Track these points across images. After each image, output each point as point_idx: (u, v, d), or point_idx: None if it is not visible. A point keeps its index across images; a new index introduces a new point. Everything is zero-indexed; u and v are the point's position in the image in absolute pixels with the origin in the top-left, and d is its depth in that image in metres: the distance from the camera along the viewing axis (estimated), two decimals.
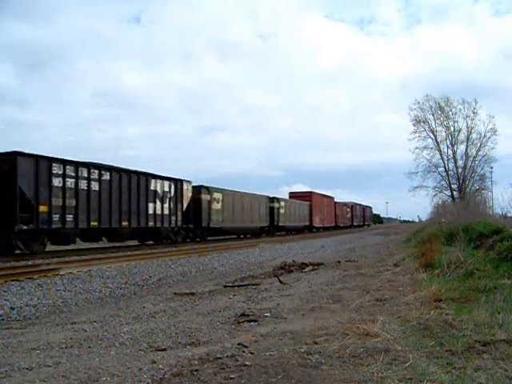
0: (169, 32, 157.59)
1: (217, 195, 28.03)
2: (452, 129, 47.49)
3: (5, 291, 8.75)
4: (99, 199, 17.89)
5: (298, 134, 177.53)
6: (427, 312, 5.24)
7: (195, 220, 25.50)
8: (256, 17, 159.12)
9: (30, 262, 13.70)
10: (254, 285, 8.94)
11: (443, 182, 48.15)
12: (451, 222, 18.96)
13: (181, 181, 24.13)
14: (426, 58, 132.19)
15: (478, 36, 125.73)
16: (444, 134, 47.76)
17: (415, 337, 4.38)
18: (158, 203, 21.94)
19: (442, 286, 6.71)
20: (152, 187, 21.51)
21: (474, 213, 19.18)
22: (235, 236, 32.63)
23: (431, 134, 47.49)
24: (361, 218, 72.82)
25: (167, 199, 22.75)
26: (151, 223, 21.33)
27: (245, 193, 33.14)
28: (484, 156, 46.54)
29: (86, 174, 17.28)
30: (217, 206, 27.86)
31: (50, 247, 17.54)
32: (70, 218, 16.45)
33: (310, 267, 11.61)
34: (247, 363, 3.64)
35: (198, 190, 26.13)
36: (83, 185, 17.14)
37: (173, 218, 23.11)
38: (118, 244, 20.96)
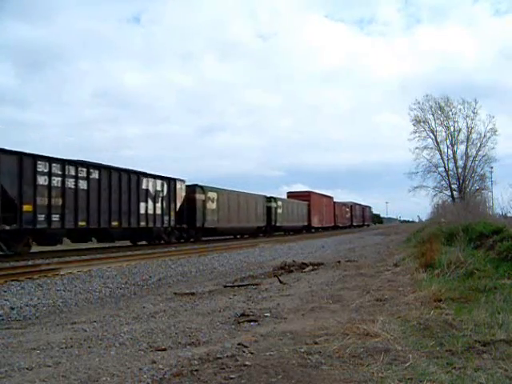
0: (169, 32, 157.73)
1: (212, 194, 27.47)
2: (452, 129, 47.56)
3: (5, 291, 8.75)
4: (87, 198, 17.31)
5: (298, 134, 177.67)
6: (427, 312, 5.24)
7: (189, 220, 24.93)
8: (256, 17, 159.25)
9: (30, 262, 13.71)
10: (254, 285, 8.94)
11: (443, 182, 48.22)
12: (451, 221, 18.96)
13: (174, 180, 23.56)
14: (426, 58, 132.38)
15: (478, 36, 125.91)
16: (444, 134, 47.84)
17: (415, 337, 4.39)
18: (150, 203, 21.37)
19: (442, 286, 6.71)
20: (144, 186, 20.94)
21: (474, 213, 19.18)
22: (231, 236, 32.02)
23: (431, 134, 47.55)
24: (360, 218, 72.46)
25: (160, 198, 22.19)
26: (143, 223, 20.75)
27: (241, 192, 32.49)
28: (484, 156, 46.62)
29: (73, 173, 16.69)
30: (212, 205, 27.29)
31: (49, 247, 17.56)
32: (56, 217, 15.82)
33: (310, 267, 11.61)
34: (247, 363, 3.64)
35: (192, 189, 25.56)
36: (70, 183, 16.55)
37: (165, 217, 22.54)
38: (118, 244, 20.97)
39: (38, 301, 8.10)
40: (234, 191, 31.49)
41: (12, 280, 9.88)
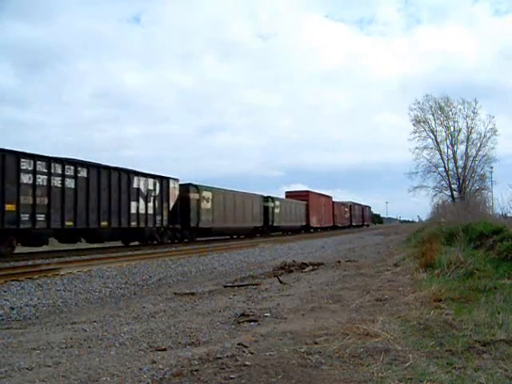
0: (168, 32, 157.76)
1: (206, 194, 26.79)
2: (452, 129, 47.60)
3: (5, 291, 8.76)
4: (75, 197, 16.74)
5: (298, 134, 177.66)
6: (427, 312, 5.24)
7: (183, 220, 24.33)
8: (256, 17, 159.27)
9: (30, 262, 13.72)
10: (254, 285, 8.94)
11: (443, 182, 48.25)
12: (451, 221, 18.97)
13: (167, 178, 23.02)
14: (426, 58, 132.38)
15: (478, 36, 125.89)
16: (444, 134, 47.87)
17: (415, 337, 4.39)
18: (142, 202, 20.79)
19: (442, 286, 6.71)
20: (135, 185, 20.39)
21: (474, 213, 19.18)
22: (228, 237, 31.47)
23: (431, 134, 47.59)
24: (360, 218, 72.10)
25: (152, 198, 21.58)
26: (134, 223, 20.15)
27: (237, 191, 31.83)
28: (484, 156, 46.66)
29: (59, 171, 16.11)
30: (206, 205, 26.64)
31: (50, 247, 17.56)
32: (41, 217, 15.24)
33: (310, 267, 11.61)
34: (247, 363, 3.64)
35: (185, 188, 24.95)
36: (57, 182, 15.95)
37: (158, 217, 21.95)
38: (118, 244, 20.95)
39: (37, 301, 8.10)
40: (230, 190, 30.85)
41: (12, 280, 9.88)
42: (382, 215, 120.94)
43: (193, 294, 8.26)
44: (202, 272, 12.64)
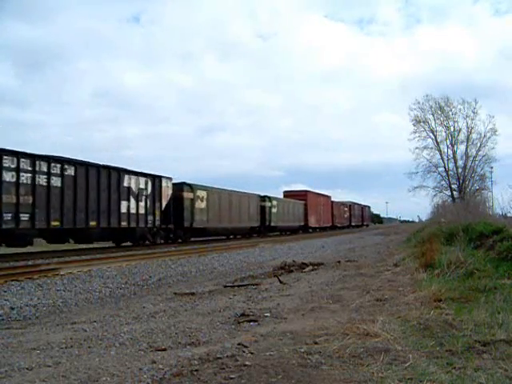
0: (168, 32, 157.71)
1: (201, 193, 26.07)
2: (452, 129, 47.65)
3: (5, 291, 8.76)
4: (61, 196, 16.06)
5: (298, 134, 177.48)
6: (427, 312, 5.25)
7: (176, 220, 23.60)
8: (256, 17, 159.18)
9: (30, 262, 13.72)
10: (254, 285, 8.95)
11: (443, 182, 48.30)
12: (451, 221, 18.96)
13: (159, 177, 22.36)
14: (426, 57, 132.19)
15: (478, 36, 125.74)
16: (444, 134, 47.92)
17: (415, 337, 4.39)
18: (133, 201, 20.06)
19: (442, 286, 6.71)
20: (125, 184, 19.65)
21: (474, 213, 19.18)
22: (224, 237, 30.81)
23: (431, 134, 47.63)
24: (359, 218, 71.66)
25: (143, 197, 20.90)
26: (124, 223, 19.44)
27: (233, 191, 31.11)
28: (484, 156, 46.71)
29: (45, 169, 15.44)
30: (201, 204, 25.94)
31: (49, 247, 17.57)
32: (25, 217, 14.61)
33: (310, 267, 11.61)
34: (247, 363, 3.65)
35: (179, 187, 24.21)
36: (42, 180, 15.29)
37: (150, 217, 21.27)
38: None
39: (38, 301, 8.10)
40: (226, 190, 30.19)
41: (12, 280, 9.89)
42: (382, 215, 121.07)
43: (193, 293, 8.26)
44: (202, 272, 12.64)
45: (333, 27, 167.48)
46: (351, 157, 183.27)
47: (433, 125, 47.55)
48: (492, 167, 45.98)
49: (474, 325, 4.65)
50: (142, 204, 20.82)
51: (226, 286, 9.02)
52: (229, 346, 4.26)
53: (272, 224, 36.62)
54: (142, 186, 21.03)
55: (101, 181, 18.19)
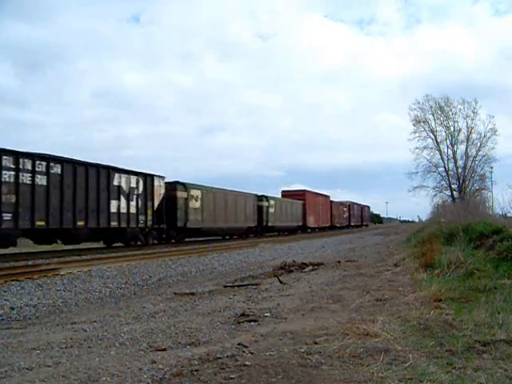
0: (168, 32, 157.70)
1: (195, 192, 25.45)
2: (452, 129, 47.69)
3: (5, 291, 8.76)
4: (47, 195, 15.45)
5: (298, 134, 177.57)
6: (427, 312, 5.25)
7: (169, 220, 22.99)
8: (256, 17, 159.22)
9: (30, 262, 13.72)
10: (254, 285, 8.95)
11: (443, 182, 48.32)
12: (451, 221, 18.96)
13: (151, 176, 21.73)
14: (426, 57, 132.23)
15: (478, 36, 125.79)
16: (444, 134, 47.96)
17: (415, 337, 4.39)
18: (123, 200, 19.42)
19: (442, 286, 6.72)
20: (115, 182, 19.04)
21: (474, 213, 19.19)
22: (220, 237, 30.37)
23: (431, 134, 47.67)
24: (358, 218, 71.33)
25: (134, 196, 20.24)
26: (114, 223, 18.80)
27: (228, 190, 30.50)
28: (484, 156, 46.75)
29: (29, 167, 14.85)
30: (195, 204, 25.31)
31: (49, 247, 17.56)
32: (7, 216, 14.05)
33: (310, 267, 11.61)
34: (247, 363, 3.65)
35: (172, 186, 23.70)
36: (26, 178, 14.69)
37: (141, 217, 20.65)
38: (118, 244, 20.88)
39: (38, 301, 8.10)
40: (221, 189, 29.56)
41: (12, 280, 9.89)
42: (382, 215, 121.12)
43: (193, 293, 8.26)
44: (202, 272, 12.64)
45: (333, 27, 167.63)
46: (351, 157, 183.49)
47: (433, 125, 47.66)
48: (492, 167, 46.11)
49: (474, 325, 4.65)
50: (133, 203, 20.19)
51: (226, 286, 9.02)
52: (229, 346, 4.26)
53: (269, 224, 36.12)
54: (133, 184, 20.40)
55: (89, 179, 17.60)
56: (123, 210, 19.45)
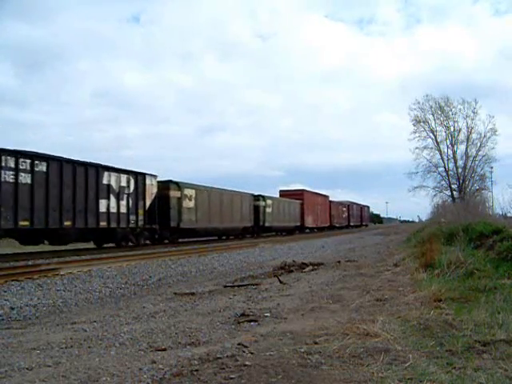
0: (168, 32, 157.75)
1: (189, 192, 24.87)
2: (452, 129, 47.69)
3: (5, 291, 8.76)
4: (31, 194, 14.84)
5: (298, 134, 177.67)
6: (427, 312, 5.25)
7: (162, 220, 22.38)
8: (256, 17, 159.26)
9: (30, 262, 13.72)
10: (254, 285, 8.95)
11: (443, 182, 48.32)
12: (451, 221, 18.96)
13: (143, 174, 21.09)
14: (426, 57, 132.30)
15: (478, 36, 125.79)
16: (444, 134, 47.96)
17: (415, 337, 4.39)
18: (113, 200, 18.82)
19: (442, 286, 6.71)
20: (105, 181, 18.45)
21: (474, 213, 19.19)
22: (215, 238, 29.86)
23: (431, 134, 47.67)
24: (358, 218, 70.80)
25: (125, 195, 19.61)
26: (103, 223, 18.23)
27: (224, 189, 29.93)
28: (484, 156, 46.76)
29: (12, 164, 14.27)
30: (189, 203, 24.72)
31: (49, 247, 17.55)
32: None
33: (310, 267, 11.61)
34: (247, 363, 3.65)
35: (165, 185, 23.15)
36: (8, 177, 14.13)
37: (132, 217, 20.00)
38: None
39: (37, 301, 8.10)
40: (216, 188, 29.01)
41: (12, 280, 9.89)
42: (382, 215, 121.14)
43: (193, 294, 8.26)
44: (202, 272, 12.64)
45: (333, 27, 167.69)
46: (351, 157, 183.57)
47: (433, 125, 47.66)
48: (492, 167, 46.12)
49: (474, 325, 4.65)
50: (123, 203, 19.54)
51: (226, 286, 9.02)
52: (229, 346, 4.26)
53: (266, 224, 35.43)
54: (124, 183, 19.78)
55: (77, 178, 17.00)
56: (113, 209, 18.90)
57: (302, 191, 45.57)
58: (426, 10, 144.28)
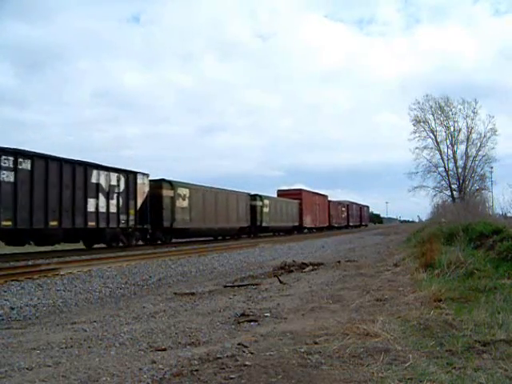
0: (168, 32, 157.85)
1: (182, 191, 24.22)
2: (452, 129, 47.66)
3: (5, 291, 8.76)
4: (14, 193, 14.17)
5: (298, 134, 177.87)
6: (427, 312, 5.24)
7: (154, 220, 21.78)
8: (255, 17, 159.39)
9: (30, 262, 13.71)
10: (254, 285, 8.95)
11: (443, 182, 48.29)
12: (451, 221, 18.96)
13: (134, 173, 20.42)
14: (426, 57, 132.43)
15: (478, 36, 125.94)
16: (444, 134, 47.93)
17: (415, 337, 4.39)
18: (102, 199, 18.23)
19: (442, 286, 6.71)
20: (93, 180, 17.84)
21: (474, 213, 19.19)
22: (211, 238, 29.36)
23: (431, 134, 47.64)
24: (357, 218, 70.52)
25: (115, 194, 19.03)
26: (92, 223, 17.60)
27: (219, 189, 29.27)
28: (484, 156, 46.73)
29: None
30: (182, 203, 24.06)
31: (49, 247, 17.56)
32: None
33: (310, 267, 11.61)
34: (247, 363, 3.65)
35: (158, 184, 22.47)
36: None
37: (123, 217, 19.41)
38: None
39: (38, 301, 8.10)
40: (211, 188, 28.31)
41: (12, 280, 9.88)
42: (381, 215, 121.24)
43: (193, 294, 8.26)
44: (202, 272, 12.64)
45: (332, 27, 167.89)
46: (351, 157, 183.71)
47: (433, 125, 47.62)
48: (492, 167, 46.09)
49: (474, 325, 4.65)
50: (113, 202, 18.91)
51: (226, 286, 9.02)
52: (229, 345, 4.26)
53: (264, 224, 34.83)
54: (114, 182, 19.14)
55: (64, 176, 16.31)
56: (102, 209, 18.29)
57: (300, 191, 45.15)
58: (425, 10, 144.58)
